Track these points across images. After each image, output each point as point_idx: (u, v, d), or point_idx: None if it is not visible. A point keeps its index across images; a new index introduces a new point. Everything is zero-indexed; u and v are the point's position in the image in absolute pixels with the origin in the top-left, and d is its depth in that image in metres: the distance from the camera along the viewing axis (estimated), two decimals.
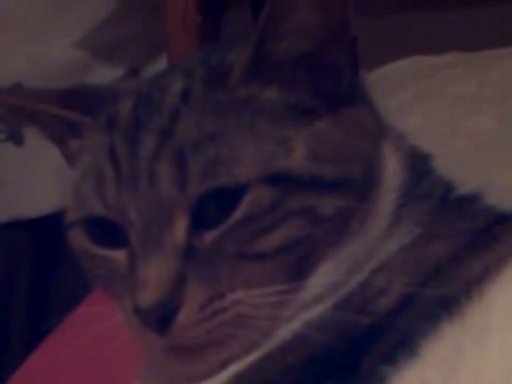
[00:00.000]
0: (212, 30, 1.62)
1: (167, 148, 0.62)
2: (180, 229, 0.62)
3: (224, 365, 0.64)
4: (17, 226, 1.63)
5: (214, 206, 0.62)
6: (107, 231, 0.65)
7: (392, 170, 0.69)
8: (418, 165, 0.71)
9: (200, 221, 0.62)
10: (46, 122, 0.73)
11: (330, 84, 0.66)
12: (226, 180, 0.61)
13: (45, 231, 1.63)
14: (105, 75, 1.59)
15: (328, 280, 0.64)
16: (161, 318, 0.61)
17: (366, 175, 0.66)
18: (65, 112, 0.71)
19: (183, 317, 0.61)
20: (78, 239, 0.67)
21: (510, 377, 0.54)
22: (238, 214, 0.62)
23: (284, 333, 0.63)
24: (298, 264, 0.63)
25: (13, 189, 1.61)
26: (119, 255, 0.65)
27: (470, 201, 0.70)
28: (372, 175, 0.67)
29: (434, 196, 0.69)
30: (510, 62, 1.15)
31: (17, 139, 1.61)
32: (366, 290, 0.63)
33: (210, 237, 0.62)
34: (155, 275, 0.61)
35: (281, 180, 0.62)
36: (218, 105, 0.64)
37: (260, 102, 0.65)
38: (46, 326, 1.46)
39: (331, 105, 0.66)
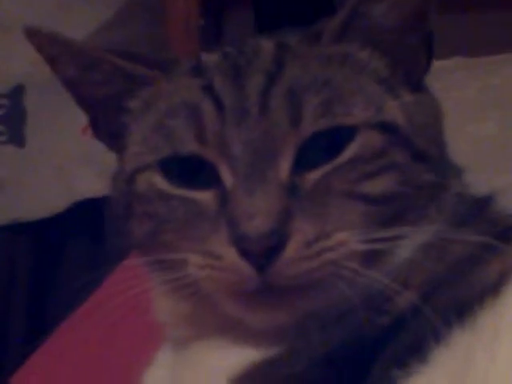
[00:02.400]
0: (214, 32, 1.62)
1: (278, 86, 0.63)
2: (285, 165, 0.62)
3: (304, 317, 0.63)
4: (16, 229, 1.63)
5: (316, 147, 0.63)
6: (189, 172, 0.65)
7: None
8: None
9: (301, 160, 0.63)
10: (107, 75, 0.71)
11: (408, 66, 0.68)
12: (342, 120, 0.63)
13: (44, 234, 1.64)
14: None
15: (411, 246, 0.64)
16: (269, 249, 0.60)
17: (443, 162, 0.68)
18: (136, 66, 0.70)
19: (290, 251, 0.60)
20: (151, 182, 0.66)
21: None
22: (349, 153, 0.63)
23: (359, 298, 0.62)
24: (392, 220, 0.63)
25: (13, 191, 1.61)
26: (204, 195, 0.64)
27: (486, 203, 0.70)
28: (447, 164, 0.69)
29: (463, 199, 0.69)
30: (510, 68, 1.15)
31: (18, 141, 1.61)
32: (387, 286, 0.62)
33: (313, 176, 0.62)
34: (263, 206, 0.60)
35: (389, 130, 0.64)
36: (320, 56, 0.66)
37: (358, 61, 0.67)
38: (45, 328, 1.47)
39: (410, 86, 0.68)
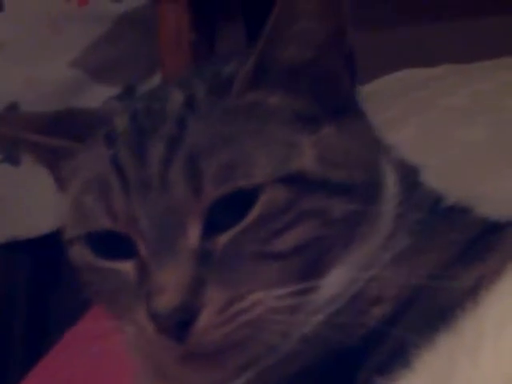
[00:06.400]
0: (206, 46, 1.63)
1: (178, 154, 0.62)
2: (193, 233, 0.62)
3: (241, 371, 0.63)
4: (14, 247, 1.63)
5: (225, 209, 0.62)
6: (112, 244, 0.65)
7: (389, 181, 0.69)
8: (409, 177, 0.72)
9: (212, 224, 0.62)
10: (34, 148, 0.73)
11: (330, 93, 0.67)
12: (243, 182, 0.62)
13: (42, 251, 1.64)
14: (101, 94, 1.60)
15: (341, 280, 0.64)
16: (180, 323, 0.60)
17: (371, 182, 0.67)
18: (51, 140, 0.71)
19: (203, 320, 0.60)
20: (81, 254, 0.67)
21: None
22: (254, 214, 0.62)
23: (297, 336, 0.63)
24: (312, 266, 0.63)
25: (10, 209, 1.61)
26: (126, 266, 0.64)
27: (459, 211, 0.70)
28: (376, 182, 0.68)
29: (424, 207, 0.69)
30: (500, 73, 1.16)
31: (13, 160, 1.61)
32: (359, 300, 0.63)
33: (223, 239, 0.62)
34: (172, 280, 0.60)
35: (295, 181, 0.63)
36: (225, 111, 0.64)
37: (266, 108, 0.65)
38: (46, 345, 1.46)
39: (333, 114, 0.67)
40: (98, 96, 1.58)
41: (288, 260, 0.62)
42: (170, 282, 0.60)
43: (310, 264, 0.63)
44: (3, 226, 1.62)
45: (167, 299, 0.59)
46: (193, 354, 0.62)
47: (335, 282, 0.64)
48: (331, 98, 0.67)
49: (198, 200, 0.61)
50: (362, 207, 0.64)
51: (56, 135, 0.71)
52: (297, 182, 0.63)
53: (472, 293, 0.58)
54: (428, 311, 0.60)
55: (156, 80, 1.61)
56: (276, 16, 0.64)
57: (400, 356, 0.57)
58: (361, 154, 0.67)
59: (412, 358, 0.57)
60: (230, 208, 0.62)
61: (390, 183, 0.69)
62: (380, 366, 0.58)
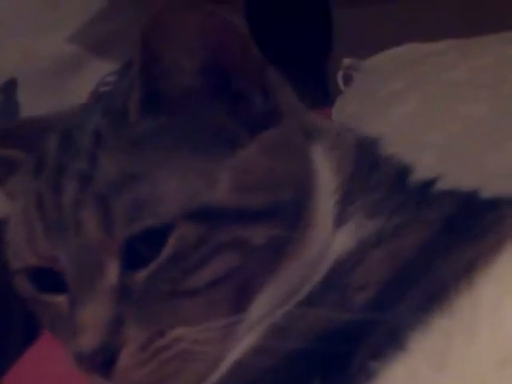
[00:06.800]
0: None
1: (89, 194, 0.61)
2: (112, 271, 0.61)
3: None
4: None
5: (143, 245, 0.61)
6: (48, 277, 0.64)
7: (327, 174, 0.67)
8: (366, 156, 0.70)
9: (132, 260, 0.61)
10: None
11: (243, 110, 0.65)
12: (152, 221, 0.60)
13: None
14: (100, 69, 1.59)
15: (269, 307, 0.63)
16: (102, 362, 0.60)
17: (298, 194, 0.64)
18: (3, 151, 0.70)
19: (124, 359, 0.60)
20: (22, 286, 0.67)
21: (499, 367, 0.53)
22: (166, 252, 0.60)
23: (238, 350, 0.62)
24: (237, 295, 0.62)
25: None
26: (61, 300, 0.64)
27: (432, 185, 0.69)
28: (304, 192, 0.65)
29: (386, 184, 0.67)
30: (502, 48, 1.15)
31: None
32: (340, 287, 0.62)
33: (141, 276, 0.61)
34: (92, 320, 0.60)
35: (205, 215, 0.61)
36: (130, 142, 0.62)
37: (175, 135, 0.63)
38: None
39: (251, 130, 0.64)
40: (97, 71, 1.57)
41: (205, 295, 0.61)
42: (89, 322, 0.60)
43: (235, 295, 0.62)
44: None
45: (87, 340, 0.60)
46: None
47: (266, 304, 0.63)
48: (244, 114, 0.65)
49: (112, 239, 0.61)
50: (285, 230, 0.62)
51: (7, 146, 0.70)
52: (207, 216, 0.60)
53: (466, 274, 0.58)
54: (421, 293, 0.59)
55: None
56: (146, 45, 0.63)
57: (394, 339, 0.56)
58: (287, 167, 0.64)
59: (406, 341, 0.56)
60: (147, 243, 0.61)
61: (328, 178, 0.67)
62: (374, 349, 0.57)
